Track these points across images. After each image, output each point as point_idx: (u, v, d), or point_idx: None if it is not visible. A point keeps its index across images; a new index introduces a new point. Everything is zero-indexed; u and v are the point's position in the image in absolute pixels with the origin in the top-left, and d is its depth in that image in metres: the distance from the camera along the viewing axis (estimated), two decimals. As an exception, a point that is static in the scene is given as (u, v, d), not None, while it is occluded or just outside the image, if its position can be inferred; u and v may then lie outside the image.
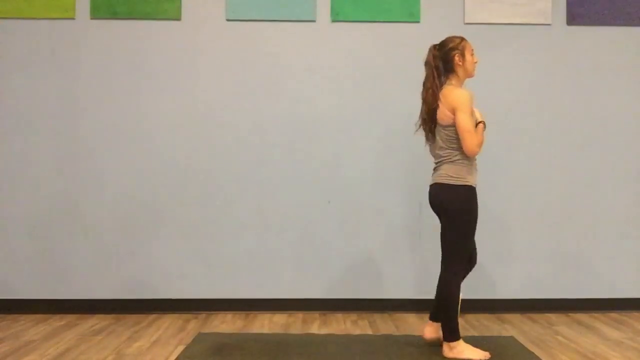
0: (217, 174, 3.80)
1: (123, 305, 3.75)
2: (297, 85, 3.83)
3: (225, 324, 3.53)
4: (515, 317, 3.67)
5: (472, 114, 2.73)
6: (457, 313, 2.76)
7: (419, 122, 2.91)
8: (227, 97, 3.82)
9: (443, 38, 2.90)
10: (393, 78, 3.82)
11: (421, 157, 3.72)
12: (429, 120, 2.84)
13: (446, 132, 2.76)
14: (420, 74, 2.95)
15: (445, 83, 2.82)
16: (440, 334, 2.85)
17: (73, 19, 3.79)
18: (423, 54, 2.99)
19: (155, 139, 3.80)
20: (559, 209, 3.84)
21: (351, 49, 3.84)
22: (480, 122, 2.77)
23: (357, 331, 3.34)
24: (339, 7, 3.82)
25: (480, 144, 2.72)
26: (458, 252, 2.76)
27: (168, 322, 3.54)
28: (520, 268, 3.83)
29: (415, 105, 3.09)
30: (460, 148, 2.73)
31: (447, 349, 2.78)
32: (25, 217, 3.76)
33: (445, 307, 2.76)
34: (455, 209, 2.73)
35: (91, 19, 3.80)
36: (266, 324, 3.52)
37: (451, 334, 2.77)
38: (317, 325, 3.48)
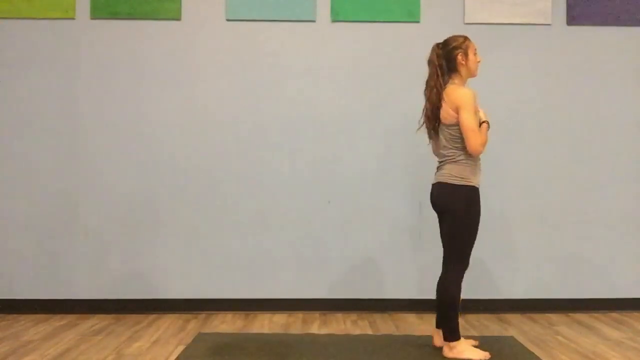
0: (217, 174, 3.80)
1: (123, 305, 3.75)
2: (297, 85, 3.83)
3: (225, 324, 3.53)
4: (515, 317, 3.67)
5: (475, 112, 2.72)
6: (457, 313, 2.76)
7: (422, 121, 2.90)
8: (227, 97, 3.82)
9: (443, 38, 2.89)
10: (393, 78, 3.83)
11: (421, 157, 3.73)
12: (432, 119, 2.83)
13: (450, 131, 2.75)
14: (421, 73, 2.95)
15: (448, 82, 2.82)
16: None
17: (73, 19, 3.79)
18: (423, 53, 2.99)
19: (155, 138, 3.80)
20: (559, 208, 3.84)
21: (351, 49, 3.84)
22: (484, 122, 2.77)
23: (357, 331, 3.34)
24: (339, 7, 3.82)
25: (484, 144, 2.72)
26: (461, 253, 2.75)
27: (168, 322, 3.54)
28: (520, 268, 3.83)
29: (415, 105, 3.09)
30: (464, 148, 2.72)
31: (448, 349, 2.78)
32: (25, 217, 3.76)
33: (445, 307, 2.75)
34: (458, 209, 2.72)
35: (91, 19, 3.80)
36: (266, 324, 3.52)
37: (451, 333, 2.76)
38: (317, 325, 3.48)
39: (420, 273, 3.79)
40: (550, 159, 3.85)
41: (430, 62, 2.85)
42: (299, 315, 3.73)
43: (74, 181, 3.77)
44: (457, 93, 2.72)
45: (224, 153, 3.81)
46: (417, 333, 3.28)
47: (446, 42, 2.84)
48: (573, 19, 3.85)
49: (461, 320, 3.37)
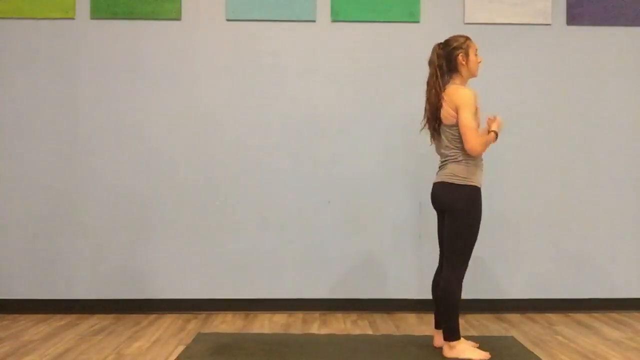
0: (217, 174, 3.80)
1: (123, 305, 3.75)
2: (297, 85, 3.83)
3: (225, 324, 3.53)
4: (515, 317, 3.67)
5: (475, 112, 2.72)
6: (457, 313, 2.75)
7: (424, 121, 2.90)
8: (227, 97, 3.82)
9: (443, 38, 2.89)
10: (393, 78, 3.82)
11: (421, 157, 3.73)
12: (433, 120, 2.83)
13: (451, 131, 2.75)
14: (421, 73, 2.95)
15: (448, 82, 2.82)
16: None
17: (73, 19, 3.79)
18: (423, 54, 2.99)
19: (155, 138, 3.80)
20: (559, 209, 3.84)
21: (351, 49, 3.84)
22: (492, 131, 2.77)
23: (357, 331, 3.34)
24: (339, 7, 3.82)
25: (483, 144, 2.71)
26: (463, 252, 2.75)
27: (168, 322, 3.54)
28: (520, 268, 3.83)
29: (415, 105, 3.10)
30: None
31: (448, 349, 2.78)
32: (25, 217, 3.76)
33: (446, 307, 2.75)
34: (460, 209, 2.72)
35: (91, 19, 3.80)
36: (266, 324, 3.52)
37: (451, 333, 2.76)
38: (317, 325, 3.48)
39: (420, 273, 3.79)
40: (551, 159, 3.85)
41: (430, 63, 2.85)
42: (299, 315, 3.73)
43: (74, 181, 3.77)
44: (457, 93, 2.72)
45: (224, 153, 3.81)
46: (417, 333, 3.29)
47: (447, 42, 2.83)
48: (573, 19, 3.85)
49: (461, 320, 3.37)
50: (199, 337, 3.16)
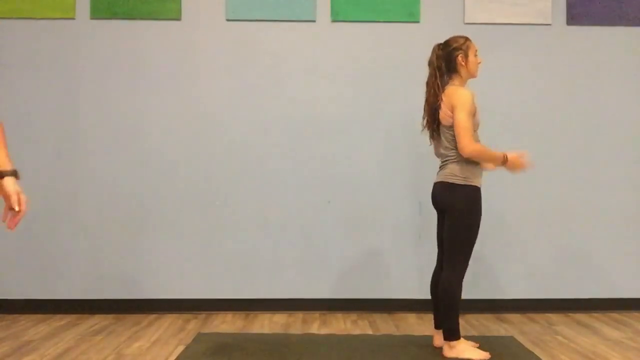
0: (217, 174, 3.81)
1: (123, 305, 3.75)
2: (297, 85, 3.83)
3: (225, 324, 3.53)
4: (515, 317, 3.67)
5: (474, 114, 2.72)
6: (457, 313, 2.75)
7: (424, 122, 2.91)
8: (227, 97, 3.82)
9: (443, 38, 2.89)
10: (393, 78, 3.83)
11: (421, 157, 3.74)
12: (432, 121, 2.84)
13: (450, 132, 2.75)
14: (421, 73, 2.95)
15: (448, 83, 2.82)
16: None
17: (73, 19, 3.79)
18: (423, 54, 2.99)
19: (155, 138, 3.80)
20: (559, 209, 3.84)
21: (351, 49, 3.84)
22: (504, 154, 2.74)
23: (357, 331, 3.34)
24: (339, 7, 3.82)
25: (478, 150, 2.68)
26: (463, 252, 2.75)
27: (168, 322, 3.54)
28: (520, 268, 3.83)
29: (415, 105, 3.10)
30: None
31: (448, 348, 2.78)
32: (25, 216, 3.74)
33: (446, 307, 2.75)
34: (460, 209, 2.72)
35: (91, 19, 3.80)
36: (266, 324, 3.52)
37: (451, 333, 2.76)
38: (317, 325, 3.48)
39: (420, 273, 3.79)
40: (550, 159, 3.85)
41: (430, 63, 2.86)
42: (299, 315, 3.73)
43: (73, 181, 3.77)
44: (455, 94, 2.72)
45: (224, 152, 3.81)
46: (417, 333, 3.28)
47: (447, 43, 2.84)
48: (573, 19, 3.85)
49: (461, 320, 3.38)
50: (199, 337, 3.16)
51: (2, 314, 3.69)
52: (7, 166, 2.03)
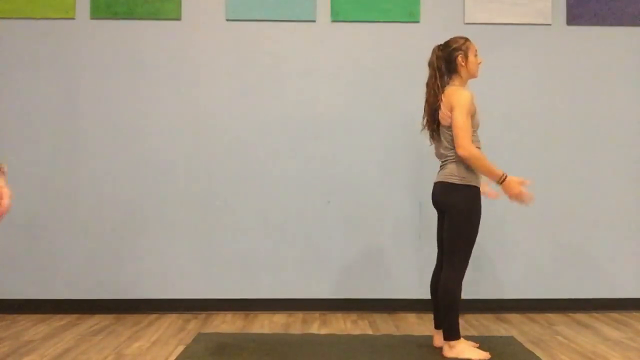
0: (217, 174, 3.81)
1: (123, 305, 3.75)
2: (296, 85, 3.83)
3: (225, 324, 3.53)
4: (515, 317, 3.67)
5: (473, 114, 2.72)
6: (457, 313, 2.75)
7: (424, 122, 2.91)
8: (227, 97, 3.82)
9: (443, 38, 2.90)
10: (393, 78, 3.83)
11: (421, 157, 3.74)
12: (431, 121, 2.85)
13: (450, 132, 2.75)
14: (421, 73, 2.95)
15: (448, 84, 2.83)
16: None
17: (73, 19, 3.79)
18: (423, 54, 2.99)
19: (155, 138, 3.80)
20: (559, 208, 3.84)
21: (351, 49, 3.84)
22: (505, 174, 2.71)
23: (357, 331, 3.34)
24: (339, 7, 3.82)
25: (474, 157, 2.66)
26: (461, 252, 2.75)
27: (168, 322, 3.54)
28: (520, 268, 3.83)
29: (415, 105, 3.10)
30: None
31: (447, 348, 2.78)
32: (25, 216, 3.76)
33: (446, 307, 2.75)
34: (459, 209, 2.72)
35: (91, 19, 3.80)
36: (266, 324, 3.52)
37: (451, 333, 2.76)
38: (317, 325, 3.48)
39: (420, 273, 3.79)
40: (550, 159, 3.85)
41: (430, 64, 2.86)
42: (299, 315, 3.73)
43: (73, 181, 3.77)
44: (454, 95, 2.73)
45: (224, 153, 3.81)
46: (417, 333, 3.28)
47: (447, 44, 2.84)
48: (573, 19, 3.85)
49: (461, 320, 3.38)
50: (199, 337, 3.16)
51: (2, 314, 3.69)
52: None
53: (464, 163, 2.73)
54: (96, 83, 3.79)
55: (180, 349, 2.98)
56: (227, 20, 3.83)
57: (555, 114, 3.86)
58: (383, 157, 3.83)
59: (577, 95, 3.87)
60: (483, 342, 2.98)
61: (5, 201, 1.87)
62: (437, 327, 2.94)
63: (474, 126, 2.77)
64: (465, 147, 2.67)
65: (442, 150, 2.85)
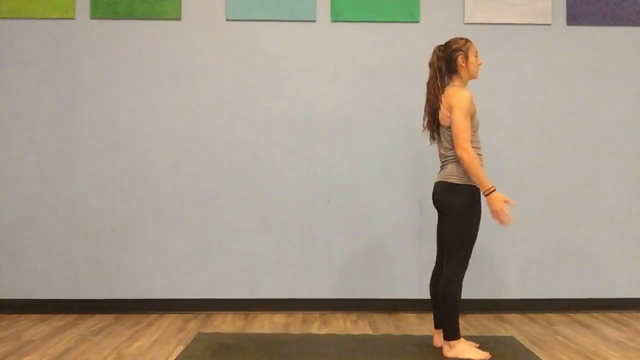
0: (217, 174, 3.81)
1: (123, 305, 3.75)
2: (296, 85, 3.83)
3: (225, 324, 3.53)
4: (515, 317, 3.67)
5: (468, 114, 2.72)
6: (457, 312, 2.75)
7: (425, 122, 2.91)
8: (227, 97, 3.82)
9: (443, 38, 2.91)
10: (393, 78, 3.83)
11: (421, 157, 3.74)
12: (432, 121, 2.86)
13: (449, 132, 2.76)
14: (421, 73, 2.96)
15: (448, 84, 2.83)
16: None
17: (73, 19, 3.79)
18: (423, 54, 3.00)
19: (155, 138, 3.80)
20: (559, 208, 3.84)
21: (351, 49, 3.84)
22: (492, 187, 2.68)
23: (357, 331, 3.34)
24: (339, 7, 3.82)
25: (469, 160, 2.66)
26: (463, 252, 2.75)
27: (168, 322, 3.54)
28: (520, 268, 3.83)
29: (415, 105, 3.10)
30: None
31: (447, 348, 2.78)
32: (25, 217, 3.76)
33: (446, 307, 2.75)
34: (459, 208, 2.73)
35: (91, 19, 3.80)
36: (266, 324, 3.52)
37: (451, 333, 2.76)
38: (317, 325, 3.48)
39: (420, 273, 3.79)
40: (550, 159, 3.85)
41: (430, 64, 2.87)
42: (299, 315, 3.73)
43: (73, 181, 3.77)
44: (453, 95, 2.73)
45: (224, 153, 3.81)
46: (417, 333, 3.28)
47: (447, 44, 2.85)
48: (573, 19, 3.85)
49: (461, 320, 3.38)
50: (199, 337, 3.16)
51: (2, 314, 3.70)
52: None
53: None
54: (96, 83, 3.79)
55: (180, 349, 2.98)
56: (227, 20, 3.83)
57: (555, 114, 3.86)
58: (383, 157, 3.83)
59: (577, 95, 3.87)
60: (483, 342, 2.98)
61: None
62: (437, 327, 2.94)
63: (474, 127, 2.78)
64: (464, 147, 2.67)
65: (442, 151, 2.85)
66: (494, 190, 2.68)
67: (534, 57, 3.85)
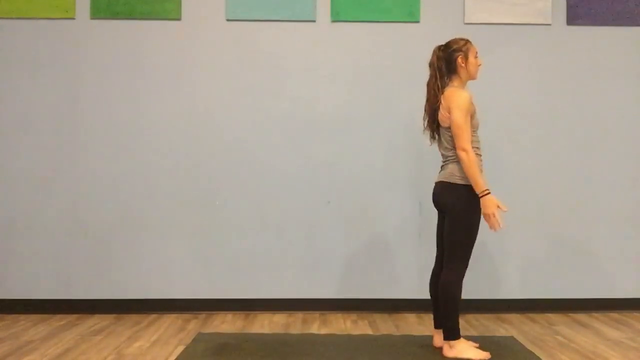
0: (217, 174, 3.81)
1: (123, 305, 3.75)
2: (296, 85, 3.83)
3: (225, 324, 3.53)
4: (515, 317, 3.67)
5: (468, 114, 2.72)
6: (457, 312, 2.76)
7: (425, 123, 2.92)
8: (227, 97, 3.82)
9: (443, 38, 2.91)
10: (393, 78, 3.83)
11: (421, 156, 3.74)
12: (432, 121, 2.87)
13: (449, 133, 2.76)
14: (421, 73, 2.96)
15: (447, 85, 2.83)
16: None
17: (73, 19, 3.79)
18: (423, 54, 2.99)
19: (155, 138, 3.80)
20: (558, 208, 3.84)
21: (351, 49, 3.84)
22: (487, 190, 2.68)
23: (357, 331, 3.34)
24: (339, 7, 3.82)
25: (468, 160, 2.66)
26: (463, 252, 2.75)
27: (168, 322, 3.54)
28: (520, 268, 3.83)
29: (415, 105, 3.10)
30: None
31: (447, 348, 2.78)
32: (25, 216, 3.76)
33: (446, 306, 2.75)
34: (460, 209, 2.73)
35: (91, 19, 3.80)
36: (266, 324, 3.52)
37: (451, 332, 2.76)
38: (317, 325, 3.48)
39: (420, 273, 3.79)
40: (550, 159, 3.85)
41: (430, 65, 2.87)
42: (299, 315, 3.73)
43: (73, 181, 3.77)
44: (453, 95, 2.74)
45: (224, 152, 3.81)
46: (417, 333, 3.28)
47: (447, 45, 2.85)
48: (573, 19, 3.85)
49: (461, 320, 3.38)
50: (199, 337, 3.16)
51: (2, 314, 3.70)
52: None
53: None
54: (96, 83, 3.79)
55: (180, 349, 2.98)
56: (227, 20, 3.83)
57: (555, 114, 3.86)
58: (383, 157, 3.83)
59: (576, 95, 3.87)
60: (483, 342, 2.98)
61: None
62: (437, 326, 2.94)
63: (474, 127, 2.78)
64: (464, 148, 2.68)
65: (442, 151, 2.86)
66: (489, 194, 2.68)
67: (534, 57, 3.85)
